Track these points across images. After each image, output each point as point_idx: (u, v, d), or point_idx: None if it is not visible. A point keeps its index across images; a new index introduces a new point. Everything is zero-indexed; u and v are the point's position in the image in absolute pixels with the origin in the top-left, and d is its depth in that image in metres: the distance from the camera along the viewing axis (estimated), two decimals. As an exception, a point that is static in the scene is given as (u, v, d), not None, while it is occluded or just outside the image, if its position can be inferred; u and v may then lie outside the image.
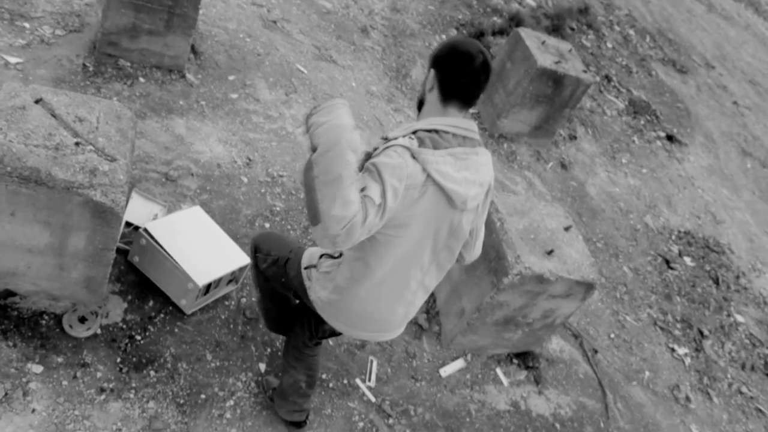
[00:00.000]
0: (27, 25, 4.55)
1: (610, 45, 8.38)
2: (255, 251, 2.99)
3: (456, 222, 2.39)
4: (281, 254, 2.85)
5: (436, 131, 2.29)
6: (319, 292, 2.58)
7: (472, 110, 6.18)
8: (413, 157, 2.20)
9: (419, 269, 2.47)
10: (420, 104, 2.43)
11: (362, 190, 2.10)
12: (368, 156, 2.30)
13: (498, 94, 5.98)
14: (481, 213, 2.54)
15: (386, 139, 2.32)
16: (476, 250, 2.72)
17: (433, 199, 2.27)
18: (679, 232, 6.17)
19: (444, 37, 6.95)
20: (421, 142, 2.23)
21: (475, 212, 2.47)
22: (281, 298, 3.08)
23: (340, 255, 2.49)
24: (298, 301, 3.03)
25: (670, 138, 7.39)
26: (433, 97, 2.35)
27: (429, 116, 2.35)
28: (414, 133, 2.29)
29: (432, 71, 2.33)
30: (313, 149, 2.12)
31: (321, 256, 2.62)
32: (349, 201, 2.01)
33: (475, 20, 7.36)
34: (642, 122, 7.38)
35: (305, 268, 2.68)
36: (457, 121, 2.33)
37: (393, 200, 2.13)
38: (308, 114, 2.20)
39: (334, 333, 2.84)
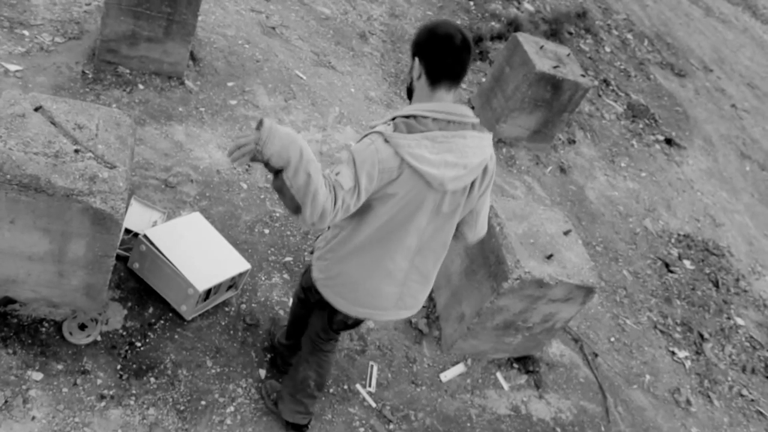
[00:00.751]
0: (26, 32, 4.56)
1: (608, 49, 8.39)
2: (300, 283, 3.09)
3: (438, 203, 2.45)
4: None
5: (414, 116, 2.36)
6: (315, 268, 2.70)
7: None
8: (386, 141, 2.28)
9: (403, 246, 2.52)
10: (409, 93, 2.50)
11: (336, 174, 2.25)
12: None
13: (497, 98, 5.99)
14: (479, 194, 2.58)
15: (370, 128, 2.41)
16: (479, 230, 2.76)
17: (410, 180, 2.34)
18: (679, 235, 6.18)
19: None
20: (396, 128, 2.31)
21: (462, 194, 2.51)
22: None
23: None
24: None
25: (668, 141, 7.40)
26: (421, 84, 2.40)
27: (417, 102, 2.42)
28: (393, 119, 2.37)
29: (416, 59, 2.38)
30: (274, 168, 2.20)
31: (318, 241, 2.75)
32: (317, 198, 2.17)
33: (473, 25, 7.38)
34: (641, 126, 7.39)
35: (311, 253, 2.86)
36: (441, 106, 2.38)
37: (368, 183, 2.27)
38: (255, 146, 2.15)
39: (347, 325, 2.89)
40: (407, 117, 2.35)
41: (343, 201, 2.24)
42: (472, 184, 2.51)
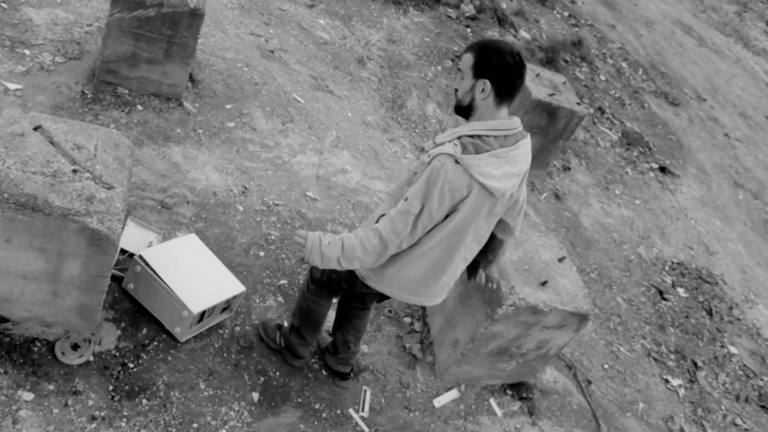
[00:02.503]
0: (27, 52, 4.59)
1: (603, 77, 8.49)
2: (310, 274, 3.26)
3: (494, 206, 2.68)
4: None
5: (479, 136, 2.51)
6: (367, 271, 2.88)
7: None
8: (456, 162, 2.46)
9: (462, 245, 2.76)
10: (464, 111, 2.61)
11: (406, 200, 2.53)
12: (421, 149, 2.71)
13: (492, 124, 6.04)
14: (520, 186, 2.80)
15: (435, 143, 2.58)
16: (521, 218, 3.01)
17: (478, 194, 2.56)
18: (673, 263, 6.20)
19: (439, 68, 7.03)
20: (465, 148, 2.48)
21: (512, 195, 2.76)
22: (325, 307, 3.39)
23: None
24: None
25: (662, 169, 7.46)
26: (488, 103, 2.53)
27: (479, 120, 2.57)
28: (459, 138, 2.50)
29: (482, 81, 2.49)
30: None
31: None
32: (370, 257, 2.65)
33: (470, 52, 7.45)
34: (635, 154, 7.45)
35: None
36: (500, 124, 2.55)
37: (440, 202, 2.52)
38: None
39: (383, 297, 3.12)
40: (472, 137, 2.50)
41: (414, 224, 2.56)
42: None
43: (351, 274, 2.95)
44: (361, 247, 2.64)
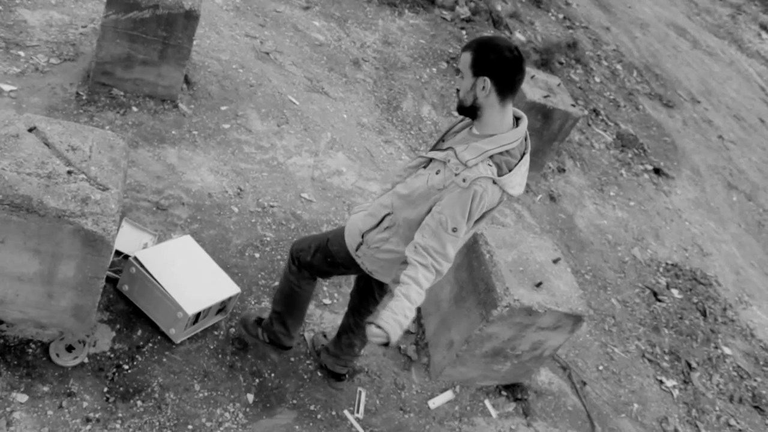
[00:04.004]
0: (22, 53, 4.59)
1: (598, 79, 8.51)
2: (296, 255, 3.21)
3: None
4: (320, 241, 3.14)
5: (508, 152, 2.54)
6: (374, 262, 2.90)
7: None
8: (494, 183, 2.51)
9: (471, 232, 2.79)
10: (470, 111, 2.59)
11: (454, 231, 2.54)
12: (429, 159, 2.69)
13: (487, 126, 6.05)
14: None
15: (463, 163, 2.51)
16: None
17: (502, 199, 2.64)
18: (667, 264, 6.22)
19: (435, 70, 7.05)
20: (500, 168, 2.52)
21: None
22: (306, 293, 3.36)
23: (388, 226, 2.80)
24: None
25: (657, 171, 7.49)
26: (491, 101, 2.52)
27: (491, 123, 2.56)
28: (491, 158, 2.51)
29: (482, 78, 2.47)
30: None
31: (362, 234, 2.87)
32: (433, 282, 2.64)
33: (465, 54, 7.46)
34: (629, 155, 7.47)
35: (355, 251, 2.92)
36: (518, 132, 2.57)
37: (473, 222, 2.60)
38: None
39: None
40: (501, 154, 2.53)
41: (459, 244, 2.63)
42: None
43: (351, 261, 2.96)
44: (423, 294, 2.61)
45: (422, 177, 2.67)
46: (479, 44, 2.50)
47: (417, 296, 2.57)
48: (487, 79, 2.46)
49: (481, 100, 2.52)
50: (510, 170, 2.54)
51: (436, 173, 2.60)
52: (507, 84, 2.49)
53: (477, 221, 2.66)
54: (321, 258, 3.12)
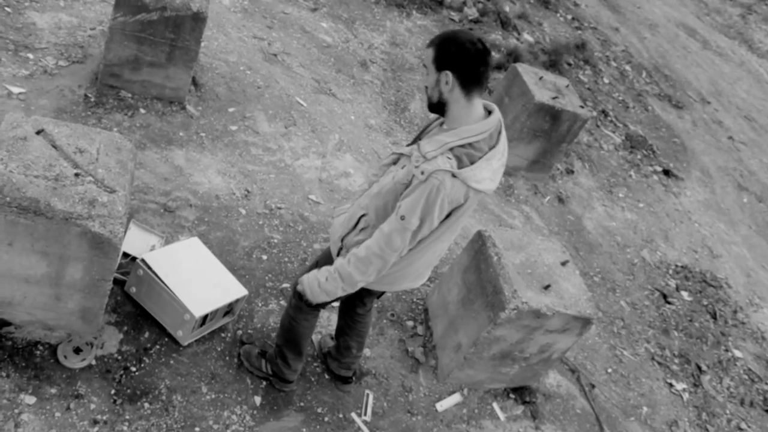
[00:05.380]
0: (31, 55, 4.60)
1: (606, 80, 8.48)
2: (296, 288, 3.13)
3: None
4: (312, 265, 3.11)
5: (470, 144, 2.47)
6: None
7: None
8: (454, 176, 2.42)
9: (455, 234, 2.78)
10: (437, 108, 2.55)
11: (402, 219, 2.50)
12: (400, 153, 2.67)
13: (496, 127, 6.03)
14: None
15: (423, 156, 2.47)
16: None
17: (473, 197, 2.56)
18: (677, 266, 6.18)
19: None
20: (460, 161, 2.44)
21: None
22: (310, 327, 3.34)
23: (364, 227, 2.76)
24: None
25: (666, 172, 7.44)
26: (456, 95, 2.47)
27: (458, 117, 2.51)
28: (451, 150, 2.45)
29: (444, 73, 2.44)
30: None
31: (342, 239, 2.83)
32: (374, 270, 2.65)
33: (473, 55, 7.44)
34: (639, 157, 7.43)
35: (336, 256, 2.89)
36: (484, 125, 2.50)
37: (439, 214, 2.50)
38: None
39: (382, 292, 3.15)
40: (463, 146, 2.46)
41: (412, 237, 2.56)
42: None
43: None
44: (358, 271, 2.65)
45: (390, 173, 2.68)
46: (441, 39, 2.47)
47: (340, 266, 2.68)
48: (449, 73, 2.42)
49: (446, 94, 2.48)
50: (472, 163, 2.45)
51: (402, 168, 2.59)
52: (471, 77, 2.43)
53: (445, 220, 2.58)
54: None
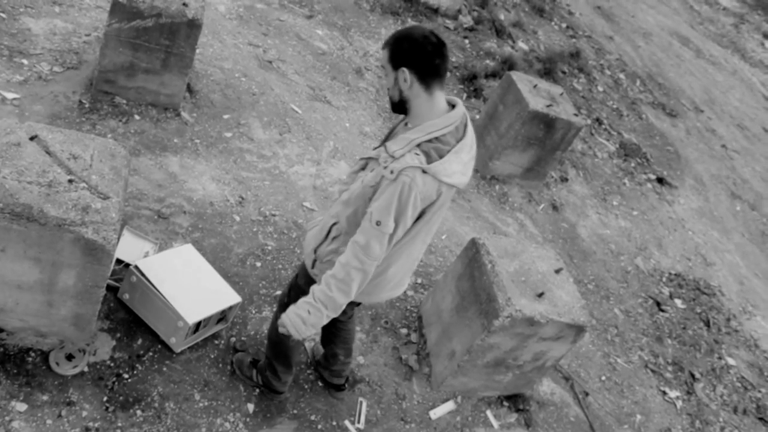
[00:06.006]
0: (25, 61, 4.60)
1: (601, 88, 8.51)
2: (280, 302, 3.13)
3: (454, 192, 2.62)
4: (292, 280, 3.10)
5: (437, 138, 2.43)
6: None
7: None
8: (424, 172, 2.38)
9: (429, 235, 2.74)
10: (399, 107, 2.53)
11: (377, 224, 2.43)
12: (368, 158, 2.62)
13: (490, 136, 6.05)
14: None
15: (390, 155, 2.43)
16: None
17: (445, 193, 2.51)
18: (670, 274, 6.19)
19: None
20: (428, 156, 2.39)
21: None
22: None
23: (335, 236, 2.71)
24: None
25: (660, 180, 7.47)
26: (415, 91, 2.45)
27: (420, 113, 2.48)
28: (418, 146, 2.42)
29: (401, 70, 2.42)
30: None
31: (315, 250, 2.79)
32: (356, 284, 2.56)
33: (468, 63, 7.48)
34: (632, 165, 7.46)
35: (311, 268, 2.84)
36: (449, 118, 2.47)
37: (413, 212, 2.45)
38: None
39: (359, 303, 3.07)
40: (429, 141, 2.43)
41: (387, 243, 2.49)
42: None
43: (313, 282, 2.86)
44: (341, 293, 2.57)
45: (359, 179, 2.63)
46: (394, 38, 2.46)
47: (320, 294, 2.59)
48: (406, 70, 2.40)
49: (406, 92, 2.45)
50: (441, 157, 2.41)
51: (370, 171, 2.55)
52: (428, 71, 2.40)
53: (418, 219, 2.54)
54: (295, 296, 2.96)
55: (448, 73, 7.17)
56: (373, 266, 2.54)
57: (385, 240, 2.48)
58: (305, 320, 2.62)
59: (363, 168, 2.69)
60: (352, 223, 2.63)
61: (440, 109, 2.48)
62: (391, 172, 2.39)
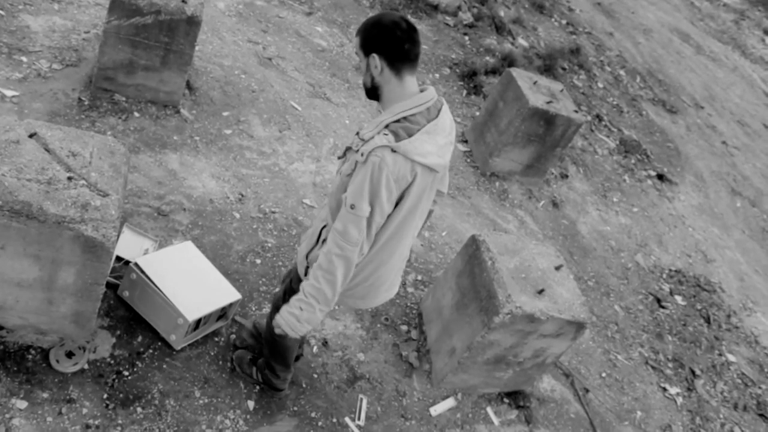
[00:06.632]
0: (24, 58, 4.59)
1: (601, 85, 8.50)
2: (274, 304, 3.10)
3: (434, 180, 2.59)
4: (286, 284, 3.04)
5: (405, 118, 2.42)
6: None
7: (463, 148, 6.24)
8: (393, 151, 2.35)
9: (412, 227, 2.68)
10: (372, 93, 2.53)
11: (352, 207, 2.40)
12: (347, 148, 2.58)
13: (490, 133, 6.04)
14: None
15: (361, 139, 2.44)
16: (447, 178, 2.92)
17: (421, 176, 2.46)
18: (670, 270, 6.19)
19: (437, 76, 7.04)
20: (396, 135, 2.37)
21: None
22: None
23: (325, 238, 2.64)
24: None
25: (660, 177, 7.46)
26: (386, 77, 2.45)
27: (391, 97, 2.48)
28: (386, 127, 2.41)
29: (372, 56, 2.42)
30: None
31: (307, 256, 2.76)
32: (340, 274, 2.52)
33: (468, 60, 7.47)
34: (633, 161, 7.45)
35: (304, 275, 2.79)
36: (418, 99, 2.46)
37: (388, 196, 2.42)
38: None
39: None
40: (398, 121, 2.42)
41: (368, 226, 2.45)
42: None
43: None
44: (328, 283, 2.54)
45: (338, 171, 2.65)
46: (364, 25, 2.46)
47: (309, 288, 2.57)
48: (376, 56, 2.40)
49: (378, 77, 2.45)
50: (410, 136, 2.39)
51: (347, 161, 2.55)
52: (397, 56, 2.40)
53: (398, 205, 2.50)
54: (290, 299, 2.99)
55: (449, 70, 7.16)
56: (355, 253, 2.50)
57: (363, 224, 2.45)
58: (299, 317, 2.61)
59: (343, 162, 2.67)
60: (335, 216, 2.60)
61: (410, 92, 2.48)
62: (362, 154, 2.39)
